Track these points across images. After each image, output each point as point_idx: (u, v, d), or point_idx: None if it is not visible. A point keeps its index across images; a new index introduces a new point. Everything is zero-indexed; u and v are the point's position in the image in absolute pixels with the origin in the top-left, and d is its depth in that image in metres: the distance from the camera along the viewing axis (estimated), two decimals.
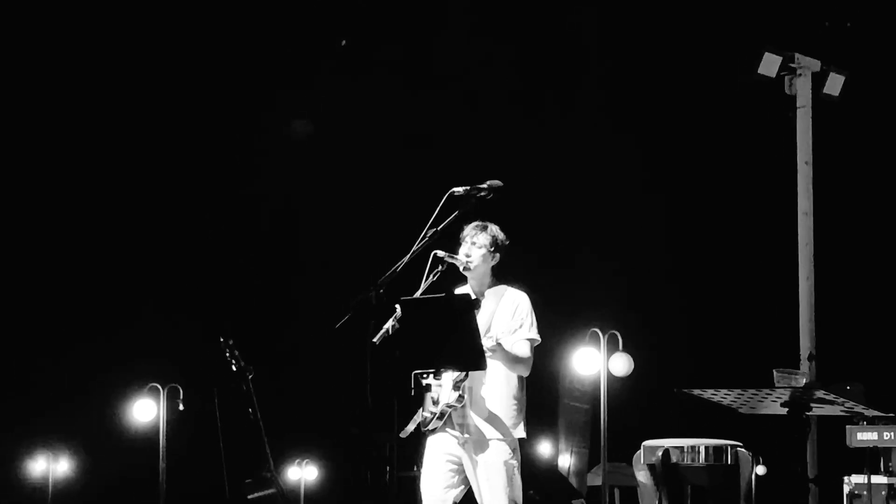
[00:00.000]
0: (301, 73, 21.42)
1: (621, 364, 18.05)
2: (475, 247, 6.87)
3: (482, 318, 6.75)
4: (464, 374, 6.70)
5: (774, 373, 5.84)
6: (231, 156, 23.67)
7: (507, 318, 6.84)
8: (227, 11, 20.10)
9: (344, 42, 20.25)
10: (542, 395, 20.17)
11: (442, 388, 6.75)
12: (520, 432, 6.88)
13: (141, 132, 23.18)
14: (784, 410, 6.04)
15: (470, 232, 6.90)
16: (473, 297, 6.82)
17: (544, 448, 23.56)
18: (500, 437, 6.78)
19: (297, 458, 29.52)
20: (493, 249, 6.91)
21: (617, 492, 21.29)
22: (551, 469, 16.50)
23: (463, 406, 6.74)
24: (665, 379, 19.24)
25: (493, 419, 6.78)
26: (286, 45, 20.62)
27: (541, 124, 21.13)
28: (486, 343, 6.54)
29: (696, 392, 6.16)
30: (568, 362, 19.61)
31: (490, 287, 6.96)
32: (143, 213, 24.82)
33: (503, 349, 6.65)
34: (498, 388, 6.81)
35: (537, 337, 6.87)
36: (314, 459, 30.66)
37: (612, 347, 18.12)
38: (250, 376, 7.40)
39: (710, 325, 21.69)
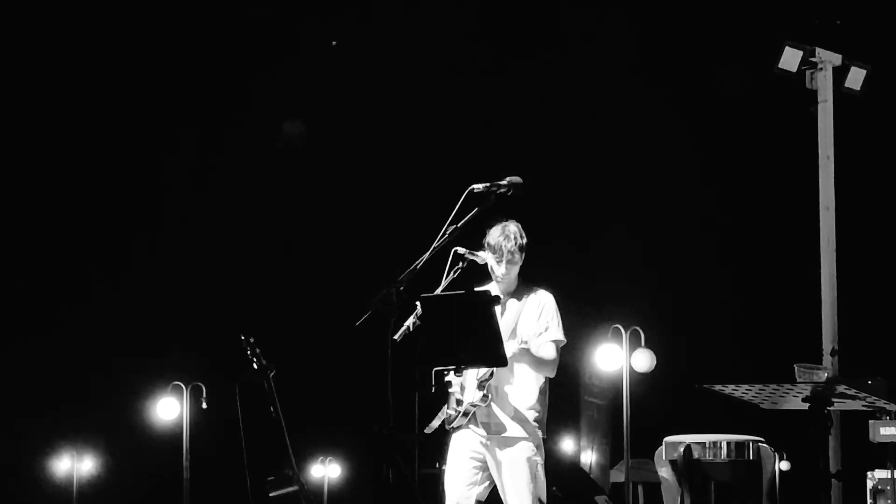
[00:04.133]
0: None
1: (644, 360, 18.03)
2: (510, 264, 6.84)
3: (508, 318, 6.76)
4: (489, 372, 6.70)
5: (796, 368, 5.81)
6: (252, 153, 23.71)
7: (533, 319, 6.83)
8: None
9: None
10: (564, 392, 20.18)
11: (466, 385, 6.76)
12: (543, 431, 6.88)
13: (171, 128, 23.22)
14: (806, 405, 6.02)
15: (498, 241, 6.81)
16: (494, 294, 6.81)
17: (567, 445, 23.56)
18: (525, 435, 6.78)
19: (320, 456, 29.59)
20: (521, 253, 6.90)
21: (640, 488, 21.26)
22: (574, 465, 16.49)
23: (488, 405, 6.74)
24: (687, 375, 19.24)
25: (517, 418, 6.78)
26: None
27: (565, 120, 21.11)
28: (513, 347, 6.54)
29: (718, 387, 6.13)
30: (589, 359, 19.60)
31: (517, 287, 6.95)
32: (164, 214, 24.89)
33: (530, 353, 6.65)
34: (523, 387, 6.81)
35: (563, 338, 6.86)
36: (337, 457, 30.74)
37: (634, 343, 18.12)
38: (272, 374, 7.41)
39: (731, 320, 21.64)
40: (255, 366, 7.41)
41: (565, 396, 20.87)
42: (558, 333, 6.84)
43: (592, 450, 21.69)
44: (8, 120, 22.22)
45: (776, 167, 18.32)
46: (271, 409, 7.35)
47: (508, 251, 6.80)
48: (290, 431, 8.46)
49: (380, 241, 22.21)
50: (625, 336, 18.02)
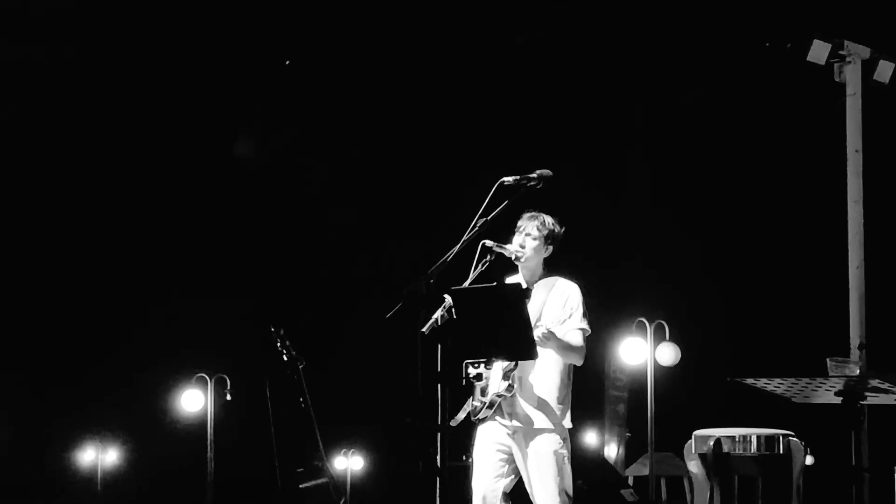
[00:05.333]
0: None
1: (668, 354, 18.01)
2: (529, 238, 6.84)
3: (533, 308, 6.72)
4: (513, 363, 6.69)
5: (828, 361, 5.78)
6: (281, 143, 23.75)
7: (558, 309, 6.81)
8: None
9: (288, 62, 20.60)
10: (588, 385, 20.17)
11: (492, 377, 6.75)
12: (567, 422, 6.86)
13: (188, 126, 23.28)
14: (838, 399, 5.99)
15: (525, 223, 6.86)
16: (524, 286, 6.80)
17: (590, 437, 23.54)
18: (551, 426, 6.76)
19: (343, 448, 29.64)
20: (547, 241, 6.88)
21: (663, 481, 21.21)
22: (599, 458, 16.48)
23: (513, 395, 6.73)
24: (711, 369, 19.19)
25: (543, 408, 6.76)
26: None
27: (587, 111, 21.07)
28: (539, 331, 6.52)
29: (749, 381, 6.11)
30: (613, 352, 19.58)
31: (541, 278, 6.93)
32: (194, 203, 24.94)
33: (556, 338, 6.62)
34: (548, 377, 6.78)
35: (587, 327, 6.84)
36: (360, 449, 30.78)
37: (658, 337, 18.08)
38: (301, 366, 7.42)
39: (758, 314, 21.56)
40: (284, 358, 7.43)
41: (589, 389, 20.84)
42: (583, 323, 6.82)
43: (616, 443, 21.67)
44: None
45: (804, 160, 18.23)
46: (301, 400, 7.35)
47: (527, 222, 6.81)
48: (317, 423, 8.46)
49: (410, 233, 22.23)
50: (649, 329, 17.99)
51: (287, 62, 20.71)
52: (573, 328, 6.78)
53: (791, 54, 12.46)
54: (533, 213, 6.88)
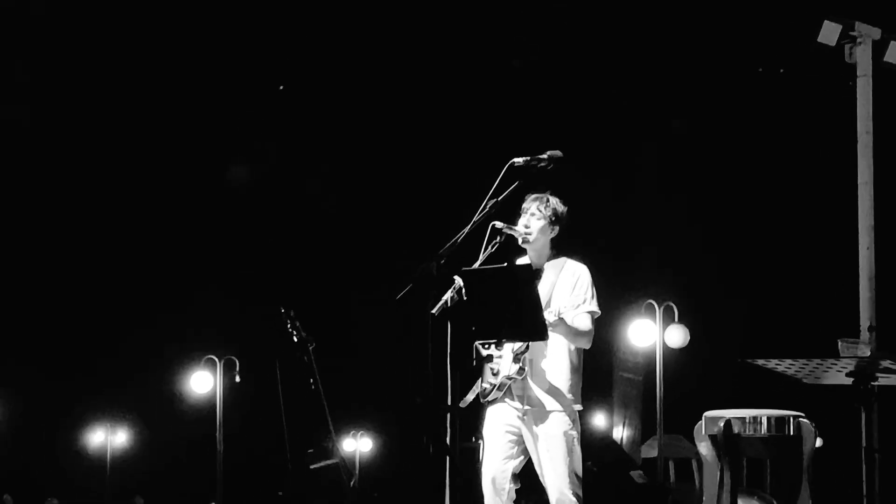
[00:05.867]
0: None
1: (677, 336, 18.02)
2: (535, 218, 6.83)
3: (542, 290, 6.70)
4: (524, 345, 6.68)
5: (839, 343, 5.77)
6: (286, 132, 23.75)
7: (568, 291, 6.80)
8: None
9: (282, 87, 20.77)
10: (597, 367, 20.17)
11: (502, 359, 6.74)
12: (578, 404, 6.85)
13: (202, 120, 23.31)
14: (849, 380, 5.98)
15: (529, 204, 6.86)
16: (528, 265, 6.79)
17: (599, 419, 23.55)
18: (561, 408, 6.76)
19: (351, 431, 29.70)
20: (552, 221, 6.86)
21: (671, 463, 21.23)
22: (608, 440, 16.50)
23: (523, 378, 6.73)
24: (719, 351, 19.18)
25: (553, 391, 6.76)
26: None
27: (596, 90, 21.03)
28: (548, 318, 6.51)
29: (761, 362, 6.09)
30: (622, 334, 19.58)
31: (550, 259, 6.92)
32: (204, 189, 24.96)
33: (565, 323, 6.62)
34: (558, 360, 6.78)
35: (598, 310, 6.83)
36: (369, 431, 30.83)
37: (667, 319, 18.09)
38: (311, 347, 7.41)
39: (766, 296, 21.54)
40: (294, 339, 7.42)
41: (598, 371, 20.81)
42: (593, 306, 6.81)
43: (625, 425, 21.67)
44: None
45: (814, 142, 18.19)
46: (311, 381, 7.35)
47: (532, 203, 6.80)
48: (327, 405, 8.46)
49: (420, 214, 22.21)
50: (658, 312, 18.01)
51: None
52: (583, 312, 6.77)
53: (800, 40, 12.42)
54: (537, 195, 6.87)
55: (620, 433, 21.42)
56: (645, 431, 21.73)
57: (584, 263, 6.93)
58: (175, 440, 26.56)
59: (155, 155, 24.21)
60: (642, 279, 20.40)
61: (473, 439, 7.08)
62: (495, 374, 6.74)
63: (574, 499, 6.70)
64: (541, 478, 6.82)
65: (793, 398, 7.33)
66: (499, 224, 6.62)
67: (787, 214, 20.73)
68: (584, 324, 6.75)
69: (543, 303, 6.57)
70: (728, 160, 21.31)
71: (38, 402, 26.08)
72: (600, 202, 20.30)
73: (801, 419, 6.85)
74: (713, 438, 7.07)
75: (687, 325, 18.06)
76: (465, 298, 6.08)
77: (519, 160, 6.34)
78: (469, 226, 6.20)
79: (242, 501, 22.36)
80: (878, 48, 12.59)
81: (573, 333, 6.71)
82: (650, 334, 18.19)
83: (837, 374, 6.11)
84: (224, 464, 21.10)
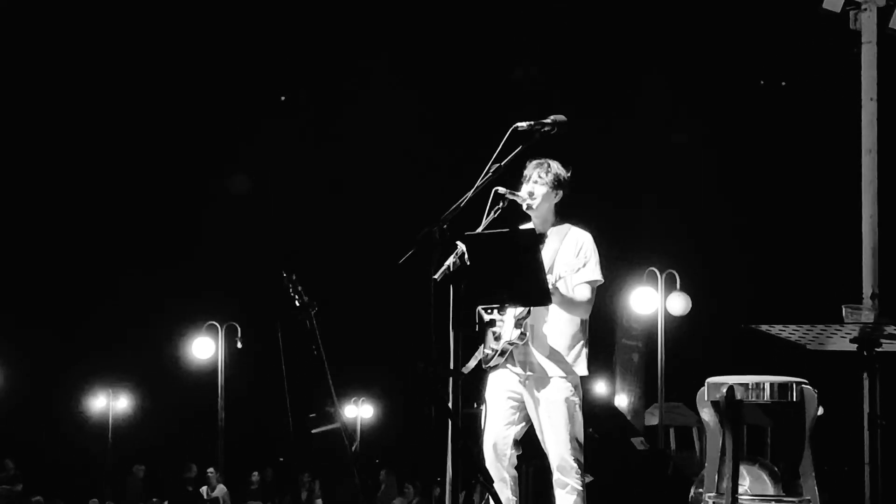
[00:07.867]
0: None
1: (679, 303, 18.04)
2: (538, 185, 6.80)
3: (545, 256, 6.66)
4: (526, 311, 6.66)
5: (843, 308, 5.74)
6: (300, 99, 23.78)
7: (571, 257, 6.76)
8: None
9: (283, 98, 20.92)
10: (600, 335, 20.22)
11: (504, 324, 6.72)
12: (581, 370, 6.82)
13: (207, 113, 23.36)
14: (853, 346, 5.97)
15: (532, 170, 6.83)
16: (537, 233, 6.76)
17: (601, 387, 23.59)
18: (562, 374, 6.74)
19: (353, 396, 29.77)
20: (555, 187, 6.84)
21: (672, 431, 21.28)
22: (609, 407, 16.51)
23: (525, 343, 6.72)
24: (721, 319, 19.19)
25: (554, 356, 6.74)
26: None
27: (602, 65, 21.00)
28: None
29: (765, 328, 6.07)
30: (625, 301, 19.59)
31: (553, 225, 6.89)
32: (205, 156, 24.99)
33: (559, 293, 6.58)
34: (560, 325, 6.76)
35: (600, 278, 6.80)
36: (370, 397, 30.91)
37: (669, 287, 18.09)
38: (314, 311, 7.37)
39: (768, 264, 21.56)
40: (296, 303, 7.38)
41: (600, 338, 20.83)
42: (595, 273, 6.78)
43: (626, 392, 21.71)
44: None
45: (818, 108, 18.14)
46: (313, 347, 7.32)
47: (534, 170, 6.78)
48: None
49: (423, 178, 22.22)
50: (660, 279, 18.01)
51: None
52: (582, 280, 6.73)
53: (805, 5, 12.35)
54: (539, 161, 6.84)
55: (622, 400, 21.46)
56: (647, 399, 21.76)
57: (588, 230, 6.91)
58: (176, 405, 26.61)
59: (159, 128, 24.31)
60: (644, 246, 20.37)
61: (475, 405, 7.07)
62: (497, 339, 6.72)
63: (575, 464, 6.70)
64: (542, 443, 6.81)
65: (794, 366, 7.32)
66: (501, 189, 6.59)
67: (792, 182, 20.71)
68: (582, 294, 6.72)
69: (547, 269, 6.55)
70: (732, 127, 21.29)
71: (39, 366, 26.12)
72: (604, 167, 20.28)
73: (803, 385, 6.82)
74: (715, 404, 7.06)
75: (689, 293, 18.08)
76: (467, 263, 6.05)
77: (522, 124, 6.29)
78: (472, 190, 6.16)
79: (244, 467, 22.43)
80: (884, 14, 12.51)
81: (569, 304, 6.67)
82: (652, 302, 18.20)
83: (842, 340, 6.10)
84: (226, 428, 21.19)
